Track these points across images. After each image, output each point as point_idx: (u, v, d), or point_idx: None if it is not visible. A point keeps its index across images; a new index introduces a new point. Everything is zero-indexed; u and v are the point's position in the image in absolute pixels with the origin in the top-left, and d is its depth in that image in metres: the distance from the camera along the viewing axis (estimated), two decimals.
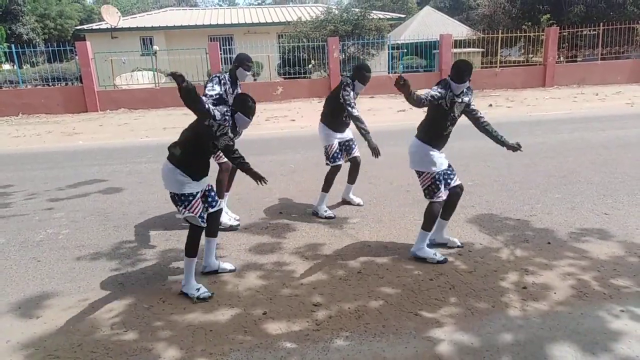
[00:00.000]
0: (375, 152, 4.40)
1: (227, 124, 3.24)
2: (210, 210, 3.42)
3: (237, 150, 3.31)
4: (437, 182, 3.64)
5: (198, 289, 3.30)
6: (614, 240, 3.96)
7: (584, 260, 3.62)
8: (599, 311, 2.93)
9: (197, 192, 3.28)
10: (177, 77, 2.92)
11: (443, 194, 3.67)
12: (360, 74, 4.56)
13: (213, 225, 3.51)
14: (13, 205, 5.69)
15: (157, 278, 3.64)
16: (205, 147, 3.27)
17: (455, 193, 3.82)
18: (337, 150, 4.81)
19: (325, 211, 4.85)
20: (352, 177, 5.06)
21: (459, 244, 3.95)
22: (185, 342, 2.79)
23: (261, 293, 3.34)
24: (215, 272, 3.65)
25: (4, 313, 3.21)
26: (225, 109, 3.27)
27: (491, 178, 5.90)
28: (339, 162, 4.83)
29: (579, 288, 3.22)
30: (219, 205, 3.51)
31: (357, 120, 4.49)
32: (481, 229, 4.35)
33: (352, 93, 4.55)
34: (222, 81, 4.41)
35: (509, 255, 3.78)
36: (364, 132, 4.44)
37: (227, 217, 4.63)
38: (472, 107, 3.68)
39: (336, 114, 4.71)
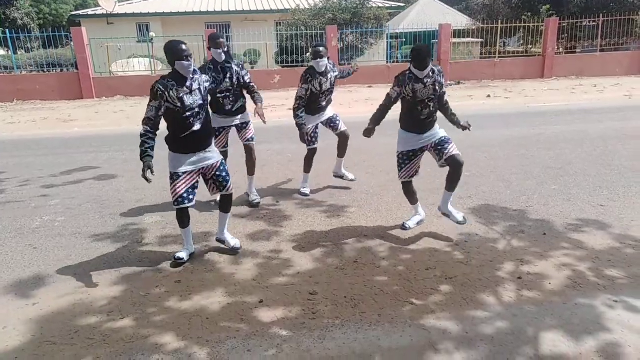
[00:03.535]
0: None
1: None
2: (221, 192, 3.68)
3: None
4: (400, 161, 3.96)
5: (184, 251, 3.67)
6: (609, 232, 3.98)
7: (579, 251, 3.65)
8: (593, 301, 2.96)
9: (184, 172, 3.48)
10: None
11: (406, 175, 3.97)
12: (313, 52, 4.79)
13: (224, 203, 3.75)
14: (8, 192, 5.66)
15: (153, 265, 3.64)
16: (173, 118, 3.43)
17: (451, 163, 3.81)
18: (312, 134, 5.03)
19: (304, 188, 5.21)
20: (341, 151, 5.23)
21: (459, 219, 3.97)
22: (182, 329, 2.80)
23: (257, 281, 3.35)
24: (222, 242, 3.85)
25: (0, 299, 3.21)
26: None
27: (488, 169, 5.91)
28: (312, 146, 5.08)
29: (573, 279, 3.25)
30: (230, 190, 3.68)
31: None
32: (477, 219, 4.36)
33: (304, 89, 4.75)
34: (200, 71, 4.59)
35: (505, 246, 3.80)
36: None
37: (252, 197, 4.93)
38: (440, 87, 3.80)
39: (310, 100, 4.86)
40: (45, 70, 15.82)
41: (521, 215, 4.43)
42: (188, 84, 3.40)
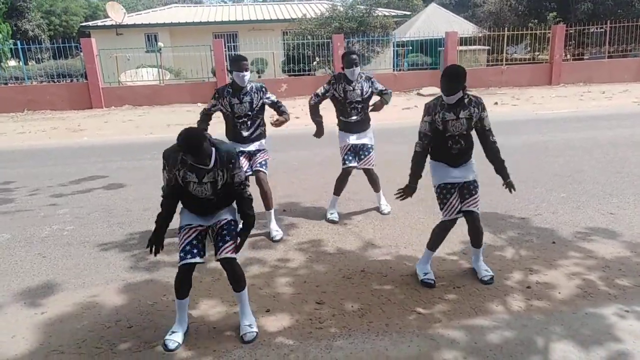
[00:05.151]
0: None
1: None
2: (216, 256, 2.86)
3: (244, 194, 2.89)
4: (442, 195, 3.34)
5: (171, 333, 2.81)
6: (619, 240, 3.94)
7: (589, 260, 3.60)
8: (603, 311, 2.92)
9: (189, 224, 2.86)
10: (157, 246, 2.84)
11: (450, 212, 3.30)
12: (344, 59, 4.48)
13: (228, 275, 2.87)
14: (18, 201, 5.72)
15: (160, 275, 3.65)
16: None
17: (468, 218, 3.34)
18: (347, 153, 4.57)
19: (332, 214, 4.70)
20: (372, 186, 4.80)
21: (483, 277, 3.37)
22: (189, 339, 2.80)
23: (264, 291, 3.35)
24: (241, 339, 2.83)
25: (9, 308, 3.24)
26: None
27: (495, 177, 5.84)
28: (347, 165, 4.56)
29: (583, 288, 3.20)
30: (228, 253, 2.82)
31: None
32: (485, 227, 4.30)
33: (323, 88, 4.60)
34: (216, 95, 4.23)
35: (514, 255, 3.76)
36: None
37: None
38: (481, 122, 3.29)
39: (338, 112, 4.64)
40: (55, 80, 16.02)
41: (530, 223, 4.40)
42: (200, 172, 2.71)
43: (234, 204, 2.99)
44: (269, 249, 4.06)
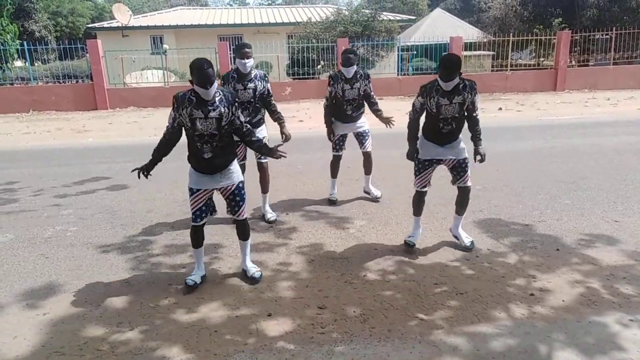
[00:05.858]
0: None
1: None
2: (233, 217, 3.54)
3: (247, 131, 3.40)
4: (419, 167, 3.84)
5: (191, 275, 3.49)
6: (624, 248, 3.91)
7: (593, 268, 3.58)
8: (607, 319, 2.90)
9: (198, 190, 3.33)
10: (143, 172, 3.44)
11: (421, 184, 3.87)
12: (342, 57, 4.82)
13: (239, 230, 3.57)
14: (22, 201, 5.74)
15: (163, 277, 3.65)
16: (187, 135, 3.30)
17: (461, 191, 3.90)
18: (337, 141, 5.09)
19: (331, 194, 5.28)
20: (365, 169, 5.26)
21: (466, 244, 3.94)
22: (190, 342, 2.79)
23: (266, 294, 3.34)
24: (245, 274, 3.58)
25: (11, 309, 3.24)
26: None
27: (500, 183, 5.85)
28: (336, 153, 5.14)
29: (587, 296, 3.18)
30: (243, 216, 3.48)
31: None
32: (489, 234, 4.31)
33: (328, 91, 4.93)
34: (222, 82, 4.37)
35: (517, 261, 3.74)
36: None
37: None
38: (473, 105, 3.65)
39: (335, 105, 4.99)
40: (61, 81, 16.10)
41: (533, 230, 4.38)
42: (206, 108, 3.15)
43: (237, 164, 3.48)
44: (270, 252, 4.06)
